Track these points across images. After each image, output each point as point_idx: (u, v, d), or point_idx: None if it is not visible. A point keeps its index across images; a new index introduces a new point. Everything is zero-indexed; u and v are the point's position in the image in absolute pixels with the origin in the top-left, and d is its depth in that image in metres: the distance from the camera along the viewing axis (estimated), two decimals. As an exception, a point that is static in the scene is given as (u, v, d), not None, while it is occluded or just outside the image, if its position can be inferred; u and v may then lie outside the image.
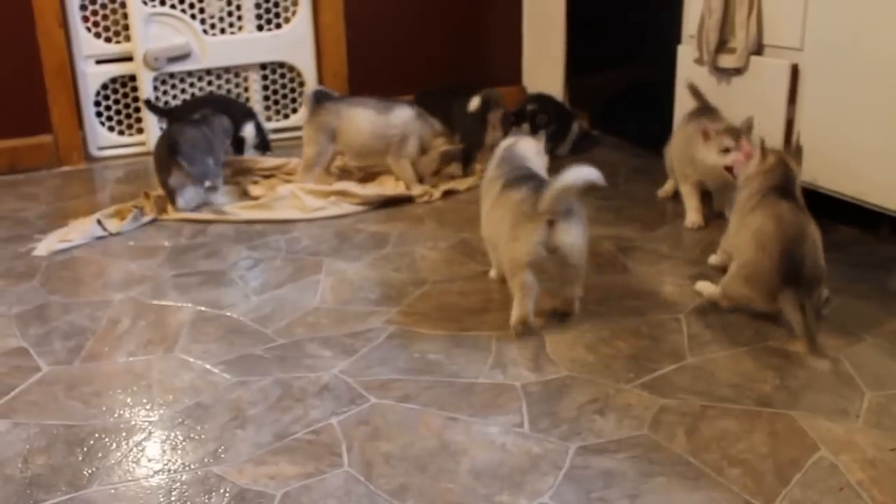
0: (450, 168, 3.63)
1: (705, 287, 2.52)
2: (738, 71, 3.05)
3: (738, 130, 2.85)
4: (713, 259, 2.72)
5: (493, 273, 2.69)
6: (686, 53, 3.32)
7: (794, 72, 2.84)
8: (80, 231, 3.19)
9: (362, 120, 3.50)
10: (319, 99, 3.57)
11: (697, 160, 2.96)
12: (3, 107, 3.99)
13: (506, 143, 2.69)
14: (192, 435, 1.93)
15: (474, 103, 3.68)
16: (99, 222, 3.22)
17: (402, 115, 3.51)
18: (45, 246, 3.08)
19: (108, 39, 4.15)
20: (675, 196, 3.25)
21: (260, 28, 4.37)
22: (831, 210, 2.80)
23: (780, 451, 1.80)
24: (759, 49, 2.98)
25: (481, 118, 3.67)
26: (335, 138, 3.54)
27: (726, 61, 3.09)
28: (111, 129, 4.26)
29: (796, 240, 2.25)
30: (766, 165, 2.45)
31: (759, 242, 2.30)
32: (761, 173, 2.45)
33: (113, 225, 3.24)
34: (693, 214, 3.08)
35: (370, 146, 3.53)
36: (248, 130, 3.97)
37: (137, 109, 4.25)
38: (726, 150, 2.85)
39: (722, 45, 3.11)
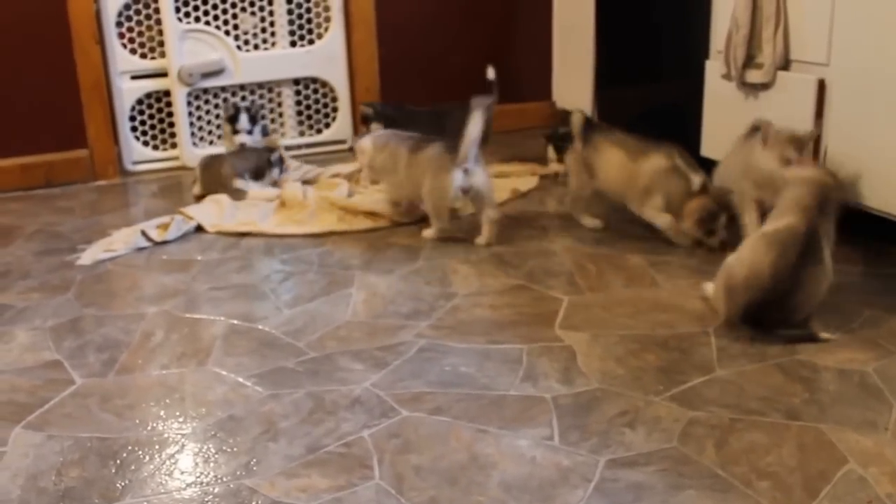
0: (714, 236, 3.02)
1: (708, 286, 2.57)
2: (766, 86, 3.05)
3: (801, 141, 2.76)
4: None
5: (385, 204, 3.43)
6: (714, 69, 3.32)
7: (821, 87, 2.83)
8: (123, 241, 3.25)
9: (613, 161, 3.22)
10: (588, 129, 3.32)
11: (753, 166, 2.86)
12: (40, 122, 4.05)
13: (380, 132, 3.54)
14: (224, 448, 1.95)
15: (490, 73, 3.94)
16: (143, 233, 3.28)
17: (653, 165, 3.12)
18: (90, 255, 3.15)
19: (143, 55, 4.21)
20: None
21: (293, 44, 4.41)
22: (859, 223, 2.79)
23: (809, 463, 1.81)
24: (786, 64, 2.98)
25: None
26: (593, 174, 3.29)
27: (754, 76, 3.09)
28: (146, 143, 4.31)
29: (771, 290, 2.29)
30: (804, 178, 2.46)
31: (746, 274, 2.34)
32: (798, 184, 2.45)
33: (157, 234, 3.30)
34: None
35: (616, 190, 3.24)
36: None
37: (172, 125, 4.30)
38: (787, 161, 2.75)
39: (749, 61, 3.11)
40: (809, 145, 2.80)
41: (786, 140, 2.78)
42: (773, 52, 2.98)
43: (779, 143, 2.78)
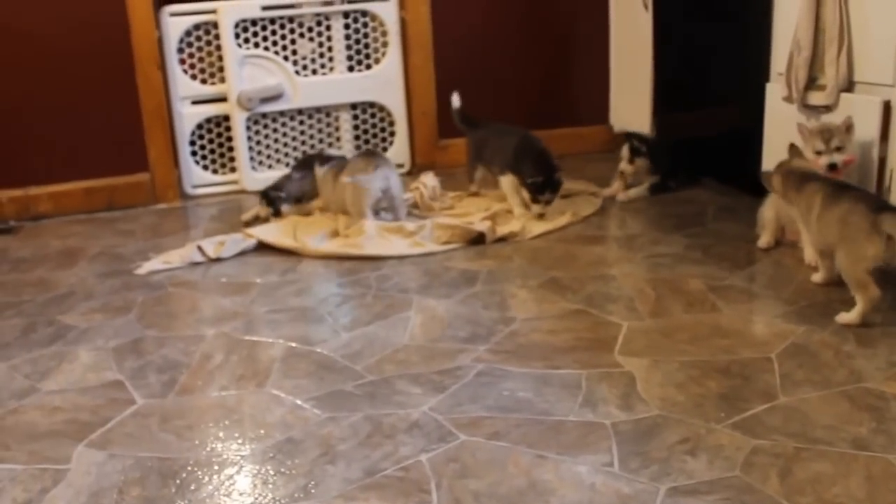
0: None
1: (844, 315, 2.53)
2: (829, 108, 3.01)
3: (830, 132, 2.83)
4: (817, 277, 2.80)
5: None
6: (775, 91, 3.29)
7: (887, 108, 2.79)
8: (179, 255, 3.38)
9: None
10: None
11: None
12: (102, 146, 4.11)
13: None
14: (282, 470, 1.96)
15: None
16: (199, 248, 3.37)
17: None
18: (147, 266, 3.30)
19: (203, 81, 4.25)
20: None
21: (351, 69, 4.43)
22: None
23: (878, 495, 1.76)
24: (849, 86, 2.94)
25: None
26: None
27: (816, 98, 3.05)
28: (205, 167, 4.35)
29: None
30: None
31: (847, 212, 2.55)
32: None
33: (213, 250, 3.38)
34: (811, 250, 2.96)
35: None
36: None
37: (231, 149, 4.33)
38: (818, 154, 2.85)
39: (811, 83, 3.07)
40: (843, 133, 2.84)
41: (817, 132, 2.86)
42: (836, 74, 2.94)
43: (811, 136, 2.88)
